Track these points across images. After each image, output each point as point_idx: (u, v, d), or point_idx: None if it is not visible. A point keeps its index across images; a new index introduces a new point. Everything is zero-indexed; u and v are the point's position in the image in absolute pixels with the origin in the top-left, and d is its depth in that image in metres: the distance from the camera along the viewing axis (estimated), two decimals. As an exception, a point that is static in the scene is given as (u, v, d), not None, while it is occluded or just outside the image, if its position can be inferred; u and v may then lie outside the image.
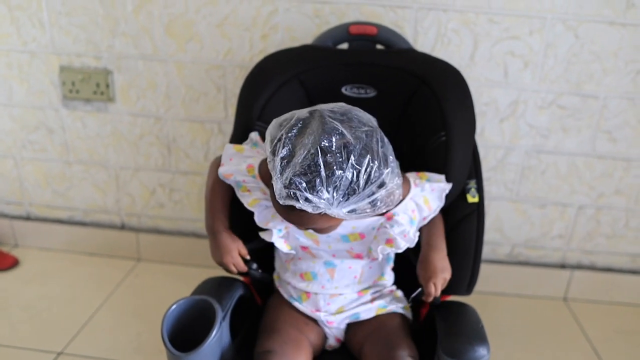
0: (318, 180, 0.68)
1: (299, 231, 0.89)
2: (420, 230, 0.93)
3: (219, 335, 0.79)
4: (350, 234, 0.89)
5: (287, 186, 0.69)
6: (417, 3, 1.32)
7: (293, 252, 0.92)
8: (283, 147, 0.70)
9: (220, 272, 0.97)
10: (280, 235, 0.89)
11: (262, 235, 0.90)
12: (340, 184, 0.68)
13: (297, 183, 0.68)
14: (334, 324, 0.94)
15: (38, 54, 1.50)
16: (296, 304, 0.95)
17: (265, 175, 0.89)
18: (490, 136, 1.45)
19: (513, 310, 1.53)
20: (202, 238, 1.65)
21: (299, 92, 1.04)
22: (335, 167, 0.68)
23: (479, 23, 1.33)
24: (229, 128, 1.49)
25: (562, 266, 1.59)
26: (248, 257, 0.93)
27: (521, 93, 1.40)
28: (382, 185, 0.71)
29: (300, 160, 0.68)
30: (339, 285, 0.93)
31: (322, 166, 0.68)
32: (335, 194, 0.69)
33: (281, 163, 0.70)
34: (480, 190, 1.00)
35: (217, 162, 0.97)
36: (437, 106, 0.98)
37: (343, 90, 1.06)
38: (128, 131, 1.55)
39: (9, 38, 1.50)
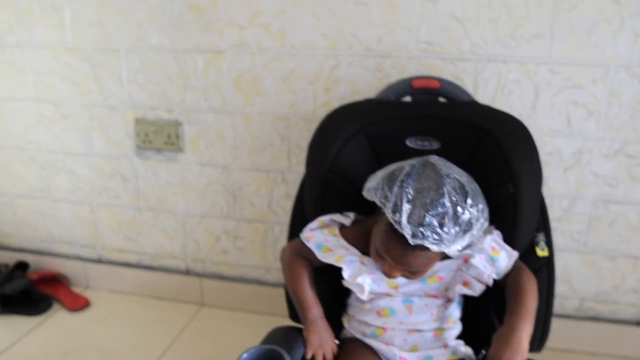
0: (447, 219, 0.78)
1: (380, 280, 0.93)
2: (506, 289, 0.92)
3: (288, 385, 0.80)
4: (430, 278, 0.94)
5: (419, 225, 0.77)
6: (476, 55, 1.35)
7: (372, 296, 0.95)
8: (406, 193, 0.79)
9: (286, 322, 0.99)
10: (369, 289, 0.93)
11: (347, 284, 0.94)
12: (462, 222, 0.79)
13: (429, 222, 0.77)
14: None
15: (117, 107, 1.62)
16: (370, 340, 0.96)
17: (348, 236, 0.96)
18: (554, 186, 1.42)
19: (585, 369, 1.46)
20: (265, 285, 1.68)
21: (364, 145, 1.07)
22: (458, 207, 0.79)
23: (540, 73, 1.34)
24: (292, 177, 1.54)
25: (638, 324, 1.50)
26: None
27: (585, 142, 1.38)
28: (484, 223, 0.83)
29: (428, 202, 0.78)
30: (417, 320, 0.94)
31: (449, 206, 0.78)
32: (457, 230, 0.79)
33: (407, 206, 0.79)
34: (549, 243, 0.99)
35: (289, 251, 1.03)
36: (503, 158, 0.98)
37: (407, 142, 1.08)
38: (196, 180, 1.63)
39: (91, 94, 1.63)
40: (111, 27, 1.55)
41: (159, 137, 1.61)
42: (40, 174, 1.79)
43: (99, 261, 1.83)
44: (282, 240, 1.57)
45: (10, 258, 1.84)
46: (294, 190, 1.52)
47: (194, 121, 1.58)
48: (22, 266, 1.80)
